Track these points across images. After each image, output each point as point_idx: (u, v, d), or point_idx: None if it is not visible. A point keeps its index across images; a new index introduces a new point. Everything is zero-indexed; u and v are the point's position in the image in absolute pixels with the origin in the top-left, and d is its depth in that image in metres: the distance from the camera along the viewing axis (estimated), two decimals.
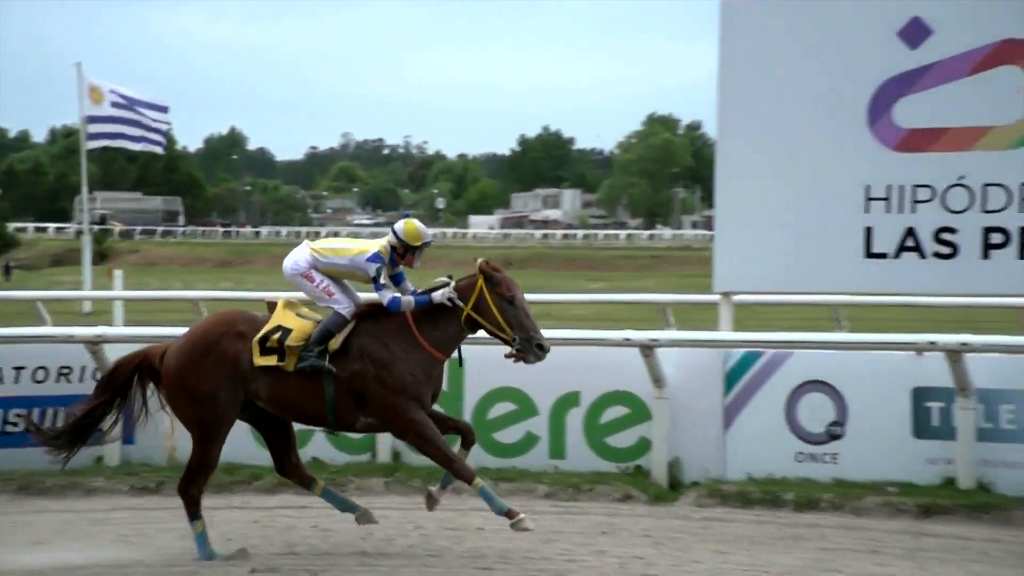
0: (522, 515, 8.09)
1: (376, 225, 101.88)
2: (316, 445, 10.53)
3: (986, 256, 10.39)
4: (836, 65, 10.85)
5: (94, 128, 24.84)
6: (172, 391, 8.47)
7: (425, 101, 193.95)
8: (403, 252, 8.45)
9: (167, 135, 27.35)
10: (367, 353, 8.30)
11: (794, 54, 11.01)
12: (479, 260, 8.45)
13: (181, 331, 8.99)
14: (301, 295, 8.73)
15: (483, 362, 10.98)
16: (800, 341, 10.90)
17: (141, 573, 7.93)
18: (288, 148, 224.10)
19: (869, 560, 8.26)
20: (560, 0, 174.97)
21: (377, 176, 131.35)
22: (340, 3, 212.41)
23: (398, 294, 8.40)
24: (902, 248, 10.72)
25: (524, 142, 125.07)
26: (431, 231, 8.79)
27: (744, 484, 10.12)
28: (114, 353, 10.89)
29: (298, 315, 8.43)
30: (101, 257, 40.08)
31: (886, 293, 12.77)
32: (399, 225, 8.49)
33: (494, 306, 8.24)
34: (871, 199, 10.80)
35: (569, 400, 10.79)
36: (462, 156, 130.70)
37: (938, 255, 10.59)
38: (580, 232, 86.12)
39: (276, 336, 8.26)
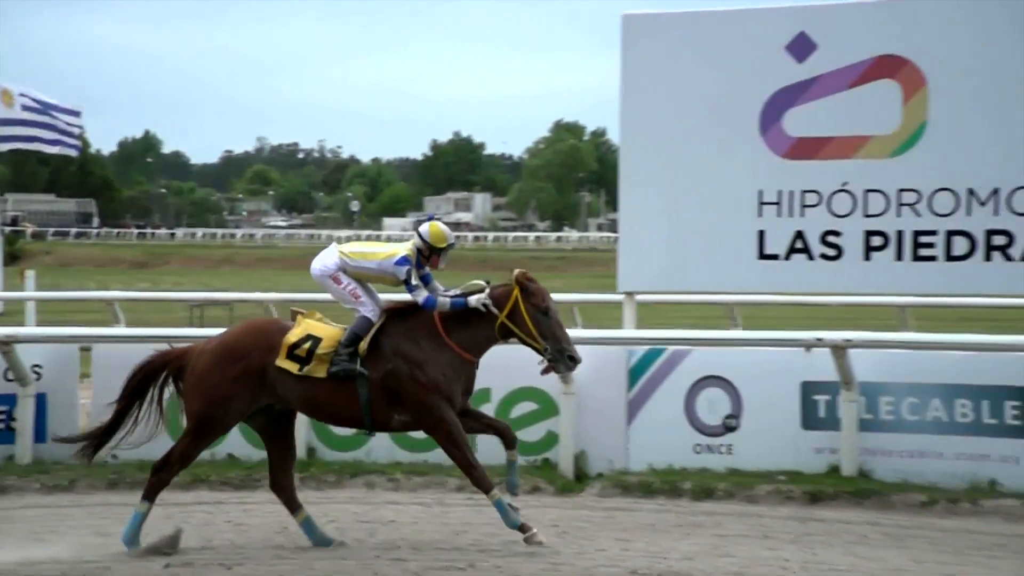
0: (535, 529, 8.21)
1: (291, 227, 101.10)
2: (231, 442, 10.47)
3: (867, 258, 10.59)
4: (730, 76, 10.98)
5: (5, 131, 24.29)
6: (192, 385, 8.45)
7: (339, 107, 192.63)
8: (428, 254, 8.48)
9: (81, 138, 26.91)
10: (400, 352, 8.31)
11: (692, 65, 11.13)
12: (516, 271, 8.44)
13: (98, 331, 8.88)
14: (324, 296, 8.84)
15: None
16: (698, 339, 11.15)
17: (54, 571, 7.80)
18: (203, 152, 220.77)
19: (761, 545, 8.43)
20: (469, 11, 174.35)
21: (292, 179, 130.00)
22: (255, 11, 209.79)
23: (432, 296, 8.37)
24: (792, 250, 10.87)
25: (436, 147, 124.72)
26: (453, 234, 8.77)
27: (646, 475, 10.26)
28: (25, 353, 10.86)
29: (325, 323, 8.46)
30: (13, 258, 39.22)
31: (778, 292, 12.98)
32: (424, 228, 8.53)
33: (528, 316, 8.24)
34: (763, 203, 10.95)
35: (480, 397, 10.58)
36: (376, 160, 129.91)
37: (824, 256, 10.77)
38: (491, 234, 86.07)
39: (306, 345, 8.26)
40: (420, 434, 10.68)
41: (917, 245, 10.49)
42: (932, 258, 10.48)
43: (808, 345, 10.25)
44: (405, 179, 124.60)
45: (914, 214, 10.50)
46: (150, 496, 8.36)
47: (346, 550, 8.25)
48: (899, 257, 10.54)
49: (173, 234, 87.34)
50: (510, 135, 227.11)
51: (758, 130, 10.93)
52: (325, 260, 8.55)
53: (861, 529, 8.88)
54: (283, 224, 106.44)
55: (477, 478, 8.25)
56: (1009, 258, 10.28)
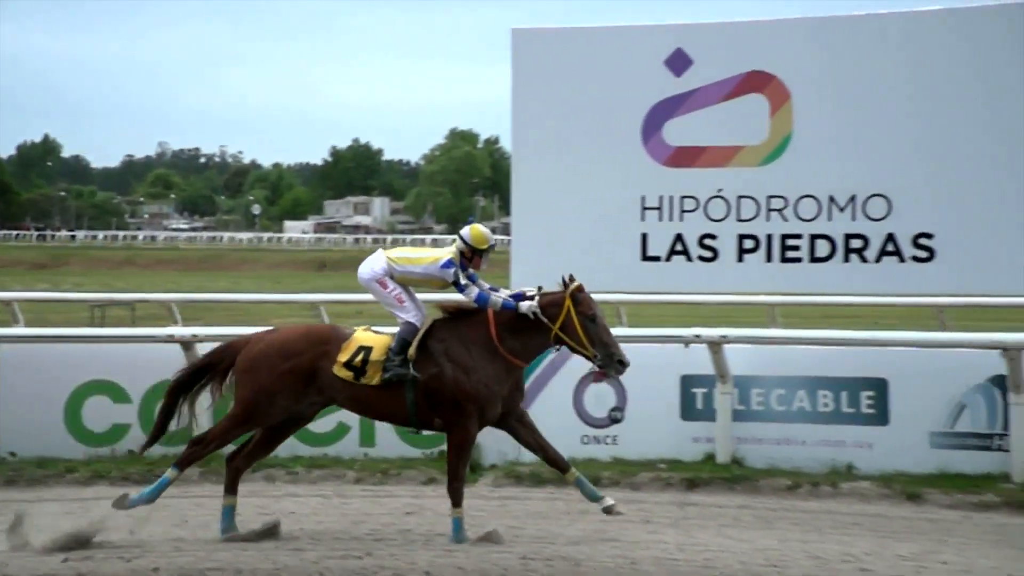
0: (495, 528, 8.29)
1: (193, 230, 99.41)
2: (133, 438, 10.45)
3: (740, 259, 10.86)
4: (614, 88, 11.17)
5: None
6: (243, 371, 8.43)
7: (240, 113, 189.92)
8: (471, 255, 8.49)
9: None
10: (450, 355, 8.29)
11: (578, 77, 11.29)
12: (567, 276, 8.42)
13: None
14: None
15: None
16: None
17: None
18: (104, 156, 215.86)
19: (642, 529, 8.59)
20: (368, 23, 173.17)
21: (194, 183, 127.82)
22: (154, 17, 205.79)
23: (483, 292, 8.36)
24: (672, 252, 11.10)
25: (336, 153, 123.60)
26: (494, 235, 8.76)
27: (537, 465, 10.12)
28: None
29: (375, 332, 8.49)
30: None
31: (660, 292, 13.22)
32: (466, 231, 8.55)
33: (578, 325, 8.20)
34: (646, 208, 11.16)
35: None
36: (277, 165, 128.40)
37: (702, 258, 11.03)
38: (389, 237, 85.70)
39: (360, 356, 8.28)
40: (320, 428, 10.84)
41: (784, 248, 10.81)
42: (798, 260, 10.81)
43: (687, 341, 10.49)
44: (306, 183, 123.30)
45: (782, 219, 10.82)
46: (182, 465, 8.43)
47: (247, 542, 8.15)
48: (769, 259, 10.84)
49: (74, 236, 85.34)
50: (407, 142, 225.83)
51: (640, 139, 11.15)
52: (372, 265, 8.55)
53: (734, 512, 9.12)
54: (184, 227, 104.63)
55: (456, 489, 8.29)
56: (864, 260, 10.64)
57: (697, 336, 10.40)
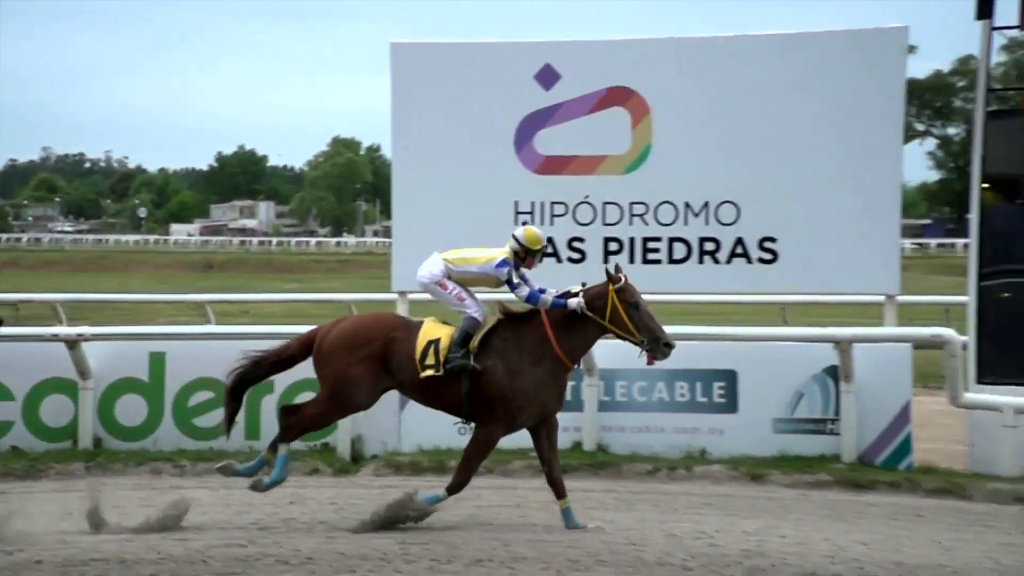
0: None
1: (79, 232, 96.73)
2: (15, 434, 10.39)
3: (606, 261, 10.83)
4: (489, 99, 11.26)
5: None
6: (320, 364, 8.47)
7: (125, 120, 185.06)
8: (524, 255, 8.48)
9: None
10: (503, 356, 8.28)
11: (454, 89, 11.35)
12: (611, 267, 8.46)
13: None
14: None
15: (183, 355, 11.10)
16: None
17: None
18: None
19: (514, 513, 8.78)
20: (252, 34, 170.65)
21: (79, 187, 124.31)
22: (37, 25, 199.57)
23: (536, 290, 8.34)
24: (543, 255, 11.37)
25: (221, 159, 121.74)
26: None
27: (416, 455, 10.51)
28: None
29: (442, 324, 8.45)
30: None
31: None
32: (520, 231, 8.56)
33: (624, 313, 8.21)
34: (519, 213, 11.24)
35: (264, 387, 10.66)
36: (163, 170, 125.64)
37: (571, 260, 11.17)
38: (275, 239, 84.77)
39: (431, 350, 8.26)
40: (206, 422, 10.91)
41: (646, 250, 11.04)
42: (657, 261, 11.03)
43: (48, 338, 10.71)
44: (192, 188, 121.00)
45: (643, 223, 11.03)
46: (285, 439, 8.47)
47: (132, 535, 8.08)
48: (632, 260, 10.98)
49: None
50: (292, 149, 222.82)
51: (513, 148, 11.26)
52: (431, 268, 8.55)
53: (599, 496, 9.33)
54: (70, 229, 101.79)
55: (461, 481, 8.35)
56: (717, 261, 10.93)
57: (55, 335, 10.61)
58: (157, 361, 11.07)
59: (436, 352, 8.27)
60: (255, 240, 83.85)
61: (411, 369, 8.33)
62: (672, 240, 11.03)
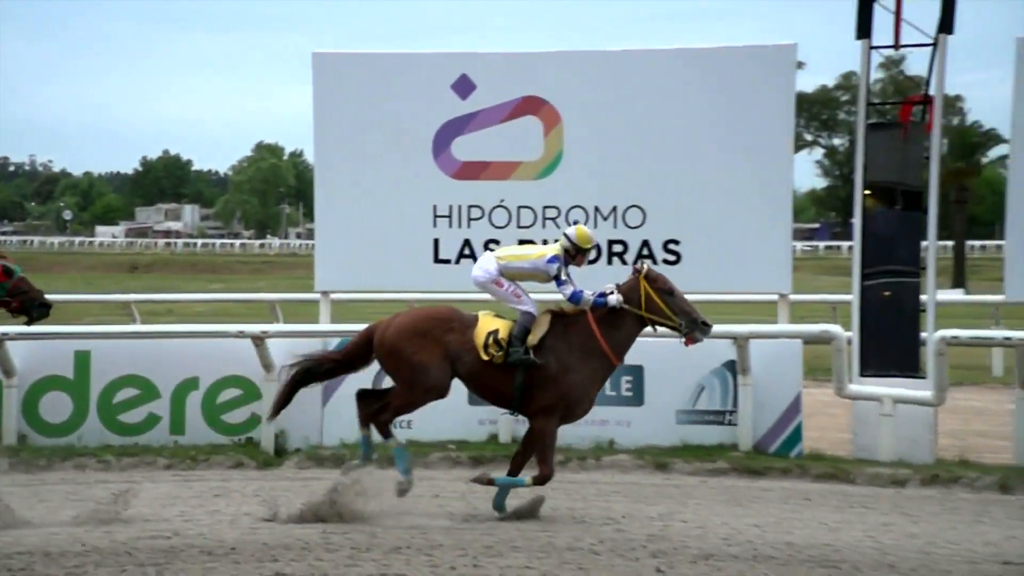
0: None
1: (2, 234, 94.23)
2: None
3: None
4: (408, 108, 11.24)
5: None
6: (387, 358, 8.41)
7: (50, 125, 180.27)
8: (575, 253, 8.39)
9: None
10: (557, 353, 8.18)
11: (375, 98, 11.32)
12: (638, 264, 8.52)
13: None
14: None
15: (108, 353, 10.90)
16: None
17: None
18: None
19: (433, 503, 8.75)
20: (180, 45, 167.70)
21: (3, 190, 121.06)
22: None
23: (577, 290, 8.27)
24: (461, 255, 11.27)
25: (146, 163, 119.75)
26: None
27: (338, 449, 10.40)
28: None
29: (496, 317, 8.35)
30: None
31: (451, 291, 13.33)
32: (571, 231, 8.45)
33: (659, 301, 8.21)
34: (437, 216, 11.27)
35: (189, 384, 10.79)
36: (87, 174, 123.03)
37: None
38: (199, 241, 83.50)
39: (492, 340, 8.15)
40: (132, 418, 10.76)
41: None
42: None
43: (233, 336, 10.67)
44: (117, 191, 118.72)
45: (555, 226, 11.02)
46: (387, 434, 8.42)
47: (57, 527, 7.93)
48: None
49: None
50: (217, 154, 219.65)
51: (432, 155, 11.26)
52: (486, 267, 8.48)
53: None
54: None
55: (546, 475, 8.23)
56: (624, 262, 10.99)
57: (241, 332, 10.60)
58: (82, 359, 10.86)
59: (497, 342, 8.22)
60: (180, 242, 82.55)
61: (470, 358, 8.28)
62: None
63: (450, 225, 11.32)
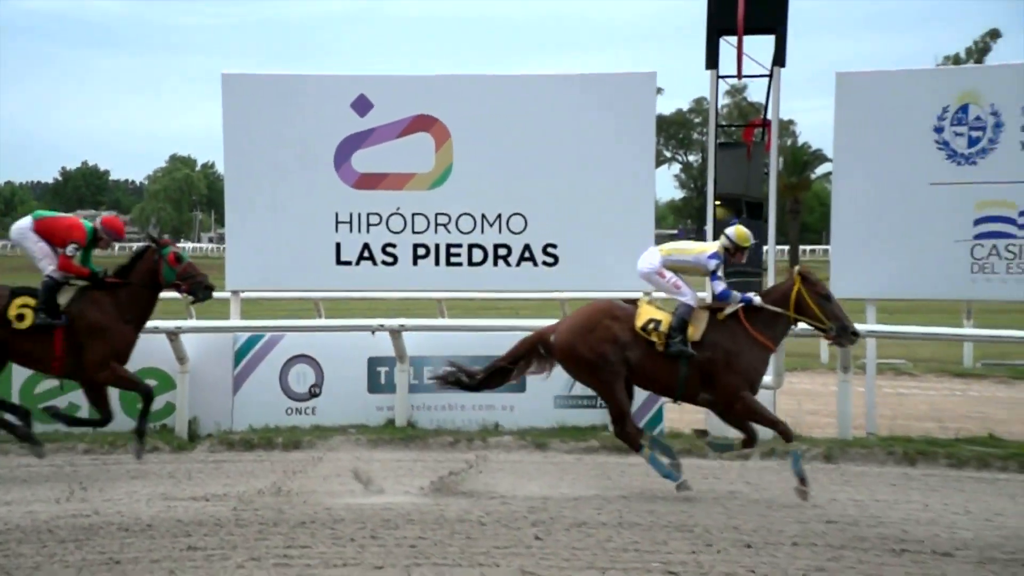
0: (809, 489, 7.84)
1: None
2: None
3: (415, 264, 10.98)
4: (311, 124, 11.04)
5: None
6: (568, 360, 8.22)
7: None
8: (734, 251, 8.13)
9: None
10: (720, 344, 7.92)
11: (280, 114, 11.10)
12: (797, 268, 8.31)
13: None
14: None
15: None
16: (289, 327, 11.27)
17: None
18: None
19: (335, 480, 8.62)
20: (90, 62, 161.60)
21: None
22: None
23: (727, 288, 8.04)
24: (361, 258, 11.09)
25: (66, 173, 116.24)
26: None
27: (247, 433, 10.27)
28: None
29: (658, 308, 8.08)
30: None
31: (351, 290, 13.26)
32: (731, 230, 8.24)
33: (814, 304, 7.99)
34: (339, 222, 11.08)
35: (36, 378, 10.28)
36: (9, 183, 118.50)
37: (384, 263, 11.07)
38: (117, 245, 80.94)
39: (651, 326, 7.90)
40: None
41: (449, 255, 11.01)
42: (459, 264, 11.03)
43: (373, 329, 10.60)
44: (39, 199, 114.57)
45: (446, 232, 11.01)
46: (637, 447, 8.18)
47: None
48: (437, 263, 11.01)
49: None
50: (133, 165, 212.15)
51: (333, 167, 11.07)
52: (650, 260, 8.25)
53: (409, 464, 9.29)
54: None
55: (783, 430, 8.00)
56: (508, 264, 11.01)
57: (381, 325, 10.55)
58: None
59: (657, 330, 8.03)
60: None
61: (637, 346, 8.08)
62: (471, 246, 11.05)
63: (351, 230, 11.14)
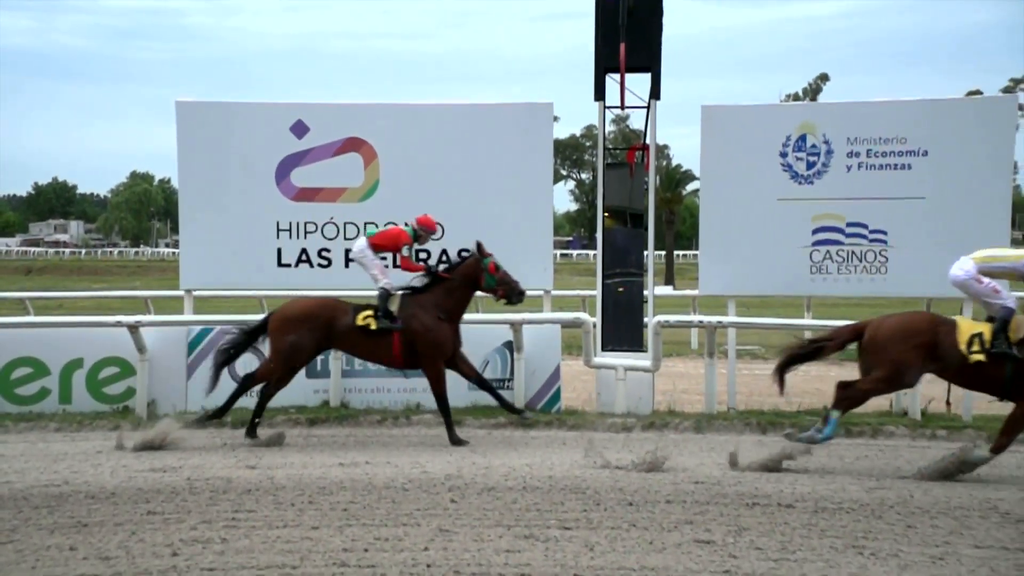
0: None
1: None
2: None
3: (347, 266, 10.73)
4: (254, 145, 10.84)
5: None
6: (878, 350, 7.50)
7: None
8: None
9: None
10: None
11: (227, 136, 10.87)
12: None
13: None
14: None
15: (7, 339, 10.21)
16: (236, 321, 10.81)
17: None
18: None
19: (277, 453, 8.52)
20: (59, 90, 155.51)
21: None
22: None
23: (1010, 300, 7.34)
24: (299, 261, 10.90)
25: (38, 187, 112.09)
26: None
27: (199, 414, 9.86)
28: None
29: (973, 321, 7.44)
30: None
31: (291, 288, 12.95)
32: None
33: None
34: (280, 230, 10.88)
35: (75, 364, 10.26)
36: None
37: (320, 265, 10.90)
38: (84, 250, 78.36)
39: (976, 341, 7.35)
40: (27, 391, 10.12)
41: (381, 258, 10.91)
42: (386, 266, 10.88)
43: None
44: (15, 210, 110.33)
45: None
46: (843, 408, 7.74)
47: None
48: None
49: None
50: (97, 180, 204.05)
51: (275, 182, 10.88)
52: (964, 268, 7.53)
53: (342, 440, 9.19)
54: None
55: (1004, 445, 7.41)
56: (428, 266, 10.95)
57: None
58: None
59: (981, 342, 7.35)
60: (67, 251, 77.24)
61: (957, 355, 7.40)
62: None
63: (290, 237, 10.94)
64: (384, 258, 9.59)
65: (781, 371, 7.98)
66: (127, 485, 7.30)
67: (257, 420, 9.16)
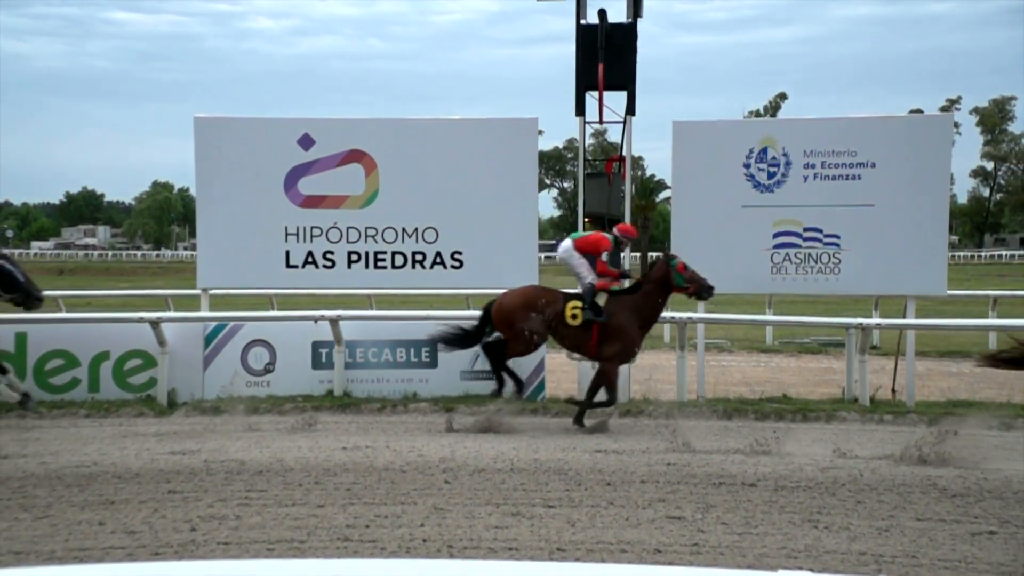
0: None
1: None
2: None
3: (350, 267, 10.77)
4: (265, 157, 10.79)
5: None
6: None
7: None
8: None
9: None
10: None
11: (240, 148, 10.81)
12: None
13: None
14: None
15: (41, 333, 10.15)
16: (249, 317, 10.97)
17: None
18: None
19: (287, 438, 8.45)
20: (87, 111, 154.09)
21: None
22: None
23: None
24: (306, 262, 10.85)
25: (69, 195, 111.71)
26: None
27: (215, 402, 10.01)
28: None
29: None
30: None
31: (298, 288, 13.00)
32: None
33: None
34: (288, 234, 10.83)
35: (103, 356, 10.23)
36: (25, 203, 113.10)
37: (325, 266, 10.83)
38: (110, 252, 77.97)
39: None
40: (61, 382, 10.06)
41: (376, 260, 10.81)
42: (385, 267, 10.84)
43: (316, 319, 10.41)
44: (49, 216, 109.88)
45: (374, 242, 10.80)
46: None
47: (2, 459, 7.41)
48: (367, 267, 10.80)
49: None
50: (123, 189, 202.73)
51: (283, 190, 10.84)
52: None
53: (345, 426, 9.17)
54: None
55: None
56: (424, 267, 10.82)
57: (322, 316, 10.35)
58: (21, 338, 10.15)
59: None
60: (96, 253, 76.85)
61: None
62: (394, 253, 10.87)
63: (297, 241, 10.90)
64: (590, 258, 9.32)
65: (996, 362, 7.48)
66: (150, 466, 7.27)
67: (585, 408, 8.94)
